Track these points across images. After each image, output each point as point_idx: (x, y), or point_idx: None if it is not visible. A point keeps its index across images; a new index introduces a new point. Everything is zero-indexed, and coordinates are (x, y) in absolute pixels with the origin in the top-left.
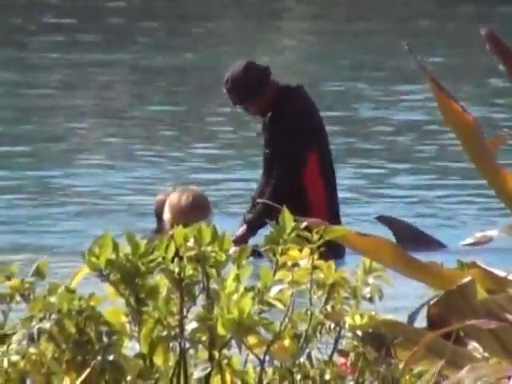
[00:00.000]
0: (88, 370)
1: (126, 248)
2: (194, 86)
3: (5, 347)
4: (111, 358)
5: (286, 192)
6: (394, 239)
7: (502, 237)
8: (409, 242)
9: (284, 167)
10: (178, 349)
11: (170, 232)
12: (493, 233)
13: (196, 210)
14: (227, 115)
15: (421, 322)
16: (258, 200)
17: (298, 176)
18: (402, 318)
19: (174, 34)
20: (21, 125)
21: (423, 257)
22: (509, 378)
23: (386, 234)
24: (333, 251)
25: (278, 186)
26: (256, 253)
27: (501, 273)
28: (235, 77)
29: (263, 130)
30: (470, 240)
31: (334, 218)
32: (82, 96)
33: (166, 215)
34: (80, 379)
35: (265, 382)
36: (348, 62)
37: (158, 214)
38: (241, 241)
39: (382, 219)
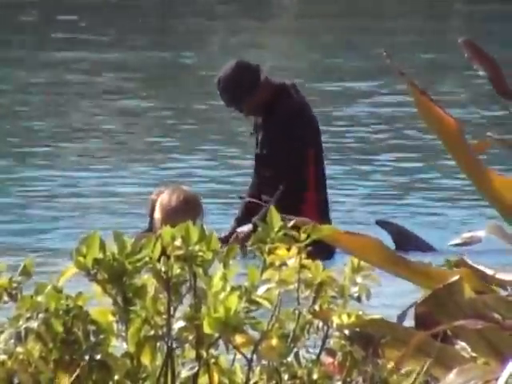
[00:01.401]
0: (77, 372)
1: (113, 247)
2: (182, 83)
3: None
4: (98, 357)
5: (293, 193)
6: (391, 243)
7: (490, 237)
8: (407, 247)
9: (291, 168)
10: (165, 348)
11: (159, 232)
12: (481, 233)
13: (187, 210)
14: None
15: (408, 321)
16: (267, 202)
17: (304, 176)
18: (390, 318)
19: (164, 31)
20: (16, 122)
21: (411, 257)
22: (496, 379)
23: (377, 235)
24: (322, 251)
25: (286, 186)
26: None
27: (489, 271)
28: (226, 78)
29: (257, 130)
30: (457, 241)
31: (324, 217)
32: (84, 96)
33: (157, 214)
34: (69, 380)
35: (252, 381)
36: (340, 60)
37: (150, 214)
38: (246, 239)
39: (382, 224)
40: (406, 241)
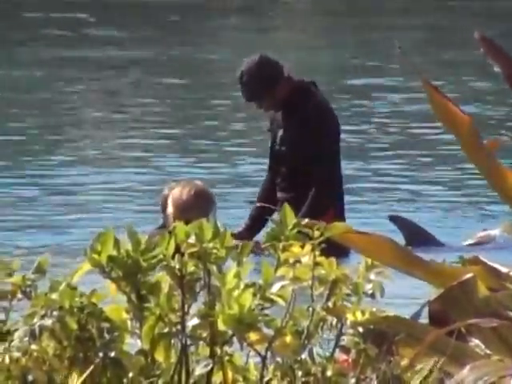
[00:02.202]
0: (89, 369)
1: (127, 244)
2: (195, 80)
3: (6, 344)
4: (113, 354)
5: (327, 190)
6: (402, 239)
7: (504, 235)
8: (418, 244)
9: (325, 166)
10: (179, 345)
11: (172, 226)
12: (495, 232)
13: (198, 205)
14: (230, 110)
15: (422, 319)
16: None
17: (334, 174)
18: (404, 315)
19: (173, 28)
20: (18, 118)
21: (424, 255)
22: (511, 376)
23: (388, 232)
24: (337, 248)
25: (322, 184)
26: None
27: (503, 269)
28: (249, 71)
29: (276, 126)
30: (472, 240)
31: (342, 216)
32: (82, 93)
33: (169, 209)
34: (83, 377)
35: (266, 378)
36: (349, 57)
37: (163, 209)
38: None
39: (393, 219)
40: (417, 238)
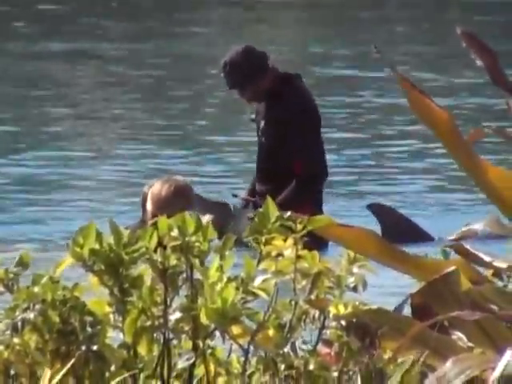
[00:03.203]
0: (71, 361)
1: (109, 238)
2: (183, 74)
3: None
4: (95, 348)
5: (310, 184)
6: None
7: (487, 229)
8: (395, 232)
9: (309, 156)
10: (161, 339)
11: (150, 223)
12: (478, 226)
13: (177, 200)
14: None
15: (405, 311)
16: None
17: (318, 167)
18: (386, 307)
19: (163, 22)
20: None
21: (408, 249)
22: (493, 369)
23: (375, 225)
24: (317, 241)
25: (305, 178)
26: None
27: (486, 258)
28: (234, 60)
29: (259, 117)
30: (456, 235)
31: (319, 209)
32: (82, 91)
33: (148, 205)
34: (63, 370)
35: (248, 371)
36: (340, 51)
37: (143, 205)
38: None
39: (372, 207)
40: (396, 227)
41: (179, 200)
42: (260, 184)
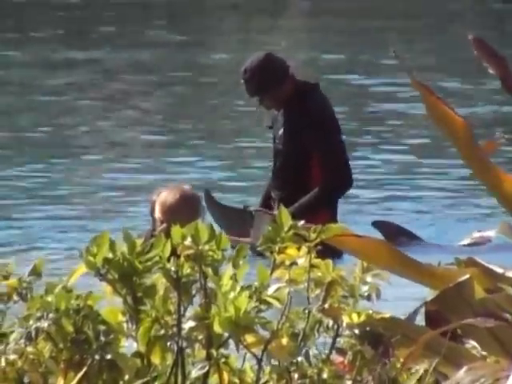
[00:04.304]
0: (84, 370)
1: (123, 247)
2: (192, 82)
3: (2, 346)
4: (109, 357)
5: (332, 194)
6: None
7: (500, 236)
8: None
9: (336, 165)
10: (175, 348)
11: (158, 230)
12: (491, 233)
13: (185, 209)
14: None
15: (418, 320)
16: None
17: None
18: (400, 316)
19: (172, 30)
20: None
21: (421, 256)
22: (507, 377)
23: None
24: (331, 250)
25: (328, 187)
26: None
27: (498, 270)
28: (255, 66)
29: (277, 125)
30: (467, 240)
31: (334, 218)
32: (89, 96)
33: (156, 214)
34: (76, 379)
35: (262, 380)
36: (347, 58)
37: (151, 214)
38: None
39: (376, 224)
40: (403, 242)
41: (186, 208)
42: (276, 191)
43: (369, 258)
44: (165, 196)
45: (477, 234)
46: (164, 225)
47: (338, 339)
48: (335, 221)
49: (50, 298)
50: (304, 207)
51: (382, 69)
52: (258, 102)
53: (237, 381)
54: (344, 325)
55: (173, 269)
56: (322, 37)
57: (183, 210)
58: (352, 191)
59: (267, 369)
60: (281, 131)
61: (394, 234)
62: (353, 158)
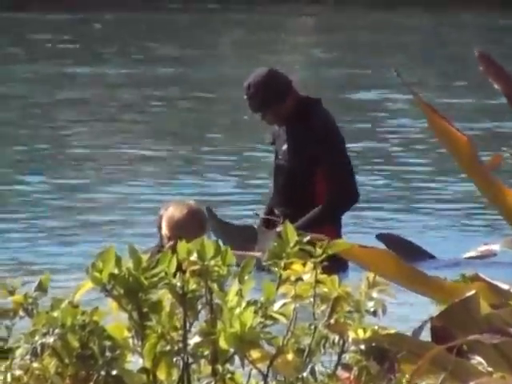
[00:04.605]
0: None
1: (128, 262)
2: (197, 99)
3: (8, 362)
4: (114, 372)
5: (337, 209)
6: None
7: (503, 251)
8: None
9: (343, 173)
10: (181, 363)
11: (167, 246)
12: (495, 247)
13: (191, 224)
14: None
15: (424, 336)
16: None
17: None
18: (406, 332)
19: (175, 46)
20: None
21: (426, 270)
22: None
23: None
24: (336, 265)
25: (339, 197)
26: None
27: (504, 286)
28: (259, 82)
29: (280, 142)
30: (472, 253)
31: (339, 233)
32: (90, 109)
33: (163, 230)
34: None
35: None
36: (347, 73)
37: (159, 229)
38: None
39: (382, 237)
40: (408, 255)
41: (194, 223)
42: (279, 207)
43: (376, 269)
44: (172, 211)
45: (482, 248)
46: (171, 242)
47: (343, 355)
48: (339, 237)
49: (55, 314)
50: (309, 222)
51: (385, 84)
52: (260, 117)
53: None
54: (350, 340)
55: (178, 284)
56: (325, 52)
57: (190, 226)
58: (357, 206)
59: None
60: (284, 147)
61: (399, 247)
62: (358, 174)
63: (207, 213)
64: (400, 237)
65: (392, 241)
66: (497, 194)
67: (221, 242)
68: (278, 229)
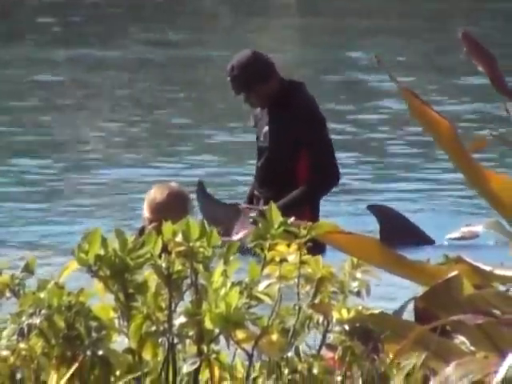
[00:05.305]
0: (75, 365)
1: (114, 244)
2: (184, 81)
3: None
4: (100, 352)
5: (317, 192)
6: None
7: (486, 232)
8: (395, 234)
9: (324, 154)
10: (166, 344)
11: (149, 228)
12: (478, 228)
13: (172, 206)
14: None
15: (407, 316)
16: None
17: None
18: (389, 312)
19: (164, 31)
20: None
21: (409, 253)
22: (495, 372)
23: (370, 226)
24: (316, 246)
25: (320, 178)
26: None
27: (486, 267)
28: (242, 63)
29: (262, 124)
30: (455, 234)
31: (317, 216)
32: (92, 93)
33: (145, 212)
34: (68, 374)
35: (253, 376)
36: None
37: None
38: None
39: (373, 208)
40: (396, 228)
41: (174, 205)
42: (260, 188)
43: (358, 255)
44: (153, 194)
45: (465, 229)
46: (153, 224)
47: (327, 335)
48: (317, 219)
49: (42, 295)
50: (290, 204)
51: (370, 67)
52: (244, 98)
53: (227, 376)
54: (334, 321)
55: (164, 265)
56: (307, 36)
57: (171, 208)
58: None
59: (258, 364)
60: (265, 129)
61: (390, 218)
62: (341, 158)
63: (198, 187)
64: (391, 208)
65: (383, 212)
66: (479, 178)
67: (204, 219)
68: (252, 214)
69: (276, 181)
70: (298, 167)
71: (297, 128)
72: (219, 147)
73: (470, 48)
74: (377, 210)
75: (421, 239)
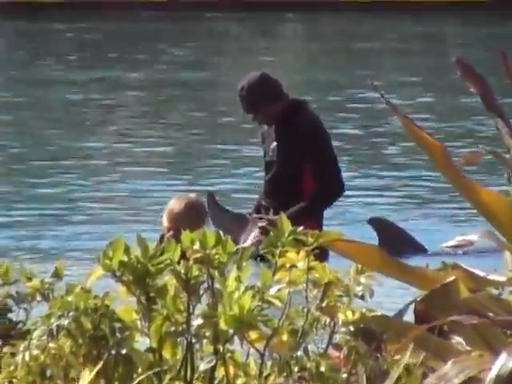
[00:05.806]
0: (101, 363)
1: (137, 251)
2: (194, 101)
3: (26, 342)
4: (124, 351)
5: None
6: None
7: (483, 240)
8: (392, 245)
9: (328, 168)
10: (185, 343)
11: (166, 236)
12: (473, 237)
13: (189, 216)
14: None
15: (407, 319)
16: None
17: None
18: (391, 314)
19: (172, 54)
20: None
21: (407, 260)
22: (490, 369)
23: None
24: (321, 253)
25: (325, 191)
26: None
27: (481, 273)
28: (252, 85)
29: (269, 140)
30: (451, 243)
31: (321, 225)
32: (105, 108)
33: (164, 221)
34: (94, 371)
35: (265, 373)
36: (340, 79)
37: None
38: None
39: (372, 221)
40: (395, 241)
41: (189, 215)
42: (268, 199)
43: (361, 261)
44: (172, 204)
45: (460, 238)
46: (171, 232)
47: (334, 335)
48: (321, 228)
49: (70, 298)
50: (296, 214)
51: (369, 89)
52: (252, 117)
53: (241, 374)
54: (340, 322)
55: (182, 271)
56: (312, 58)
57: (187, 218)
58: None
59: (269, 363)
60: (273, 145)
61: (388, 231)
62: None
63: (208, 198)
64: (391, 222)
65: (382, 226)
66: (472, 193)
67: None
68: (260, 224)
69: (283, 192)
70: (303, 180)
71: (301, 144)
72: (230, 161)
73: (463, 72)
74: (376, 224)
75: (416, 249)
